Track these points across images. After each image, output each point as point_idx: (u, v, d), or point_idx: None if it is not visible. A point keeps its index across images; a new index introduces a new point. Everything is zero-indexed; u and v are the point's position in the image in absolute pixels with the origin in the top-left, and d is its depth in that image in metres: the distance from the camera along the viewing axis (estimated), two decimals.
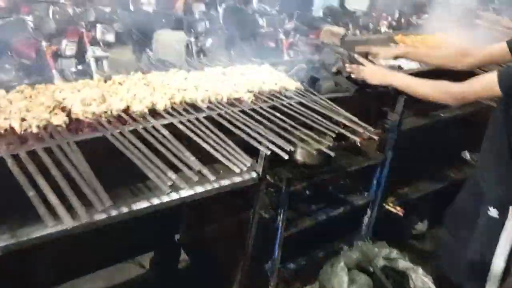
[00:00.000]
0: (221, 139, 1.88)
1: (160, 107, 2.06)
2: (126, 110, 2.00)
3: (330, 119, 2.32)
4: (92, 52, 4.51)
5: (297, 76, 2.82)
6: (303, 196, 3.01)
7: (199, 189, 1.92)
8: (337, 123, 2.30)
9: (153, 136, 1.80)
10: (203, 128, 1.93)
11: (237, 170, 1.75)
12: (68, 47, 4.18)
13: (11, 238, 1.49)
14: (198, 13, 5.91)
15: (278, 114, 2.18)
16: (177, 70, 2.51)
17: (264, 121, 2.11)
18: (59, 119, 1.81)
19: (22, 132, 1.72)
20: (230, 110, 2.14)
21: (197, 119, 2.01)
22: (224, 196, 2.19)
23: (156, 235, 2.53)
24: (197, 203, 2.08)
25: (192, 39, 4.89)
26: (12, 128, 1.71)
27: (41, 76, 3.78)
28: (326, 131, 2.20)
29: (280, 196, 2.62)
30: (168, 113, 2.04)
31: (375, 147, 3.05)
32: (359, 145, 2.99)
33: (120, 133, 1.79)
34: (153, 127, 1.88)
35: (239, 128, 1.99)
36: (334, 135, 2.24)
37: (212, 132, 1.92)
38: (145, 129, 1.85)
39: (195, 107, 2.15)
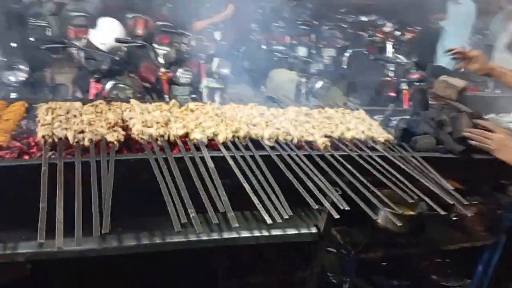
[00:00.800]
0: (268, 181, 1.65)
1: (220, 138, 1.93)
2: (184, 137, 1.91)
3: (416, 182, 1.92)
4: (206, 82, 4.71)
5: (396, 127, 2.47)
6: (380, 267, 2.55)
7: (244, 233, 1.72)
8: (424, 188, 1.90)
9: (196, 167, 1.66)
10: (254, 167, 1.73)
11: (269, 221, 1.49)
12: (183, 75, 4.42)
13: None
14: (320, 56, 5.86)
15: (348, 166, 1.87)
16: (255, 104, 2.38)
17: (330, 171, 1.82)
18: (114, 136, 1.79)
19: (74, 143, 1.72)
20: (294, 153, 1.90)
21: (252, 156, 1.81)
22: (280, 247, 1.95)
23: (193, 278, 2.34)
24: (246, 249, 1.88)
25: (303, 80, 4.79)
26: (66, 138, 1.73)
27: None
28: (404, 195, 1.81)
29: (347, 260, 2.24)
30: (226, 146, 1.89)
31: (483, 223, 2.47)
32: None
33: (165, 159, 1.69)
34: (202, 157, 1.74)
35: (294, 173, 1.74)
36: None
37: (262, 172, 1.70)
38: (192, 158, 1.72)
39: (257, 144, 1.97)
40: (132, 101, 2.18)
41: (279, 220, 1.50)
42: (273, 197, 1.58)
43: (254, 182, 1.63)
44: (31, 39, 3.84)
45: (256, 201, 1.53)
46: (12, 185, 1.52)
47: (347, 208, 1.63)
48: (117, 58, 3.99)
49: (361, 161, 1.96)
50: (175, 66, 4.46)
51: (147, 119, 1.94)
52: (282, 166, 1.77)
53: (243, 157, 1.79)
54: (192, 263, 1.93)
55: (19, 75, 3.47)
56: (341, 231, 2.23)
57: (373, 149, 2.13)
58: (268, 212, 1.52)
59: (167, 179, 1.55)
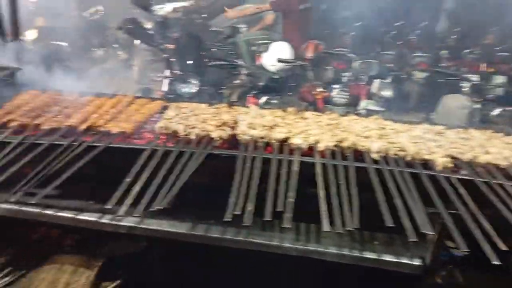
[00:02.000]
0: (349, 194, 1.50)
1: (321, 146, 1.85)
2: (284, 141, 1.90)
3: None
4: (365, 104, 4.55)
5: None
6: None
7: (331, 248, 1.61)
8: None
9: (278, 168, 1.63)
10: (341, 176, 1.60)
11: (326, 227, 1.34)
12: (339, 95, 4.38)
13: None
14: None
15: (462, 191, 1.55)
16: (377, 117, 2.20)
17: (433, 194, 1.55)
18: (217, 134, 1.90)
19: (183, 136, 1.90)
20: (397, 169, 1.69)
21: (345, 166, 1.68)
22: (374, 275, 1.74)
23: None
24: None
25: (478, 106, 4.17)
26: (177, 132, 1.92)
27: None
28: None
29: None
30: (322, 154, 1.80)
31: None
32: None
33: (253, 157, 1.71)
34: (290, 160, 1.70)
35: (387, 191, 1.54)
36: None
37: (347, 183, 1.56)
38: (279, 160, 1.70)
39: (361, 156, 1.81)
40: (251, 106, 2.28)
41: (339, 230, 1.34)
42: (346, 208, 1.42)
43: (333, 191, 1.50)
44: (205, 58, 4.39)
45: (323, 207, 1.41)
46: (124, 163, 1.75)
47: (464, 249, 1.32)
48: (276, 77, 4.21)
49: (484, 190, 1.60)
50: (331, 86, 4.46)
51: (254, 122, 2.00)
52: (376, 180, 1.58)
53: (334, 165, 1.68)
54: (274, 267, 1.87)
55: (191, 88, 4.02)
56: (462, 273, 1.86)
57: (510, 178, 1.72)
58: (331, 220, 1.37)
59: (245, 175, 1.57)
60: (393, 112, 4.98)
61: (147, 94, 4.24)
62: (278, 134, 1.92)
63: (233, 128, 2.01)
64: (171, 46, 4.16)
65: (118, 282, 1.80)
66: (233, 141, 1.93)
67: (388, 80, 4.75)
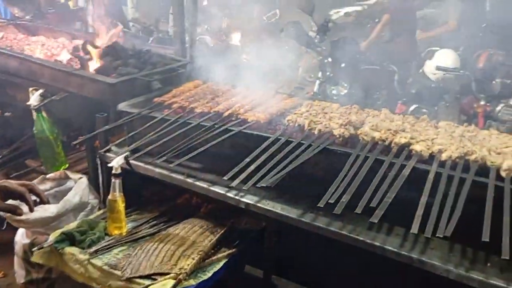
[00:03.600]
0: (455, 204, 1.44)
1: (444, 155, 1.79)
2: (406, 146, 1.89)
3: None
4: None
5: None
6: None
7: (434, 260, 1.56)
8: None
9: (386, 170, 1.66)
10: (453, 188, 1.54)
11: (414, 230, 1.32)
12: (505, 111, 3.89)
13: None
14: None
15: None
16: None
17: None
18: (339, 131, 2.00)
19: (307, 130, 2.06)
20: None
21: (462, 178, 1.61)
22: None
23: None
24: None
25: None
26: (302, 125, 2.09)
27: None
28: None
29: None
30: (442, 163, 1.74)
31: None
32: None
33: (366, 157, 1.77)
34: (403, 165, 1.70)
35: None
36: None
37: (456, 196, 1.50)
38: (391, 163, 1.71)
39: (486, 172, 1.70)
40: (383, 110, 2.30)
41: (427, 234, 1.31)
42: (445, 218, 1.38)
43: (438, 199, 1.47)
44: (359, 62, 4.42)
45: (419, 212, 1.40)
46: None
47: None
48: (432, 85, 4.00)
49: None
50: (497, 100, 4.02)
51: (379, 125, 2.03)
52: (490, 196, 1.48)
53: (450, 176, 1.62)
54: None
55: (340, 90, 4.11)
56: None
57: None
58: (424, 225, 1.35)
59: (352, 171, 1.64)
60: None
61: (299, 93, 4.50)
62: (401, 138, 1.92)
63: (357, 128, 2.07)
64: (326, 49, 4.32)
65: (233, 250, 2.05)
66: (354, 141, 2.01)
67: None
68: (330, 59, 4.25)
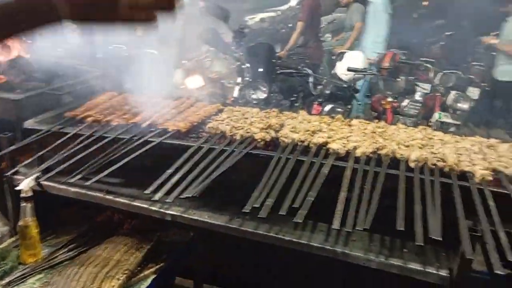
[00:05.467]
0: (371, 197, 1.53)
1: (358, 152, 1.89)
2: (323, 145, 1.96)
3: None
4: (438, 116, 4.34)
5: None
6: None
7: (356, 252, 1.64)
8: None
9: (308, 170, 1.71)
10: (369, 182, 1.63)
11: (335, 225, 1.39)
12: (410, 106, 4.24)
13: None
14: None
15: (491, 204, 1.50)
16: (424, 127, 2.17)
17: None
18: (260, 136, 2.03)
19: (229, 136, 2.06)
20: (429, 178, 1.67)
21: (376, 172, 1.71)
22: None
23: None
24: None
25: None
26: (224, 132, 2.08)
27: None
28: None
29: None
30: (357, 159, 1.84)
31: None
32: None
33: (287, 158, 1.81)
34: (322, 163, 1.77)
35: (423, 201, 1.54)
36: None
37: (371, 190, 1.59)
38: (312, 163, 1.77)
39: (397, 164, 1.82)
40: (301, 112, 2.37)
41: (348, 228, 1.38)
42: (362, 210, 1.46)
43: (356, 194, 1.55)
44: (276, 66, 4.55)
45: (339, 207, 1.46)
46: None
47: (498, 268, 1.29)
48: (345, 86, 4.22)
49: None
50: (403, 96, 4.36)
51: (297, 126, 2.10)
52: (402, 187, 1.59)
53: (365, 171, 1.71)
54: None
55: (260, 94, 4.19)
56: None
57: None
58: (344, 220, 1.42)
59: (275, 174, 1.67)
60: (472, 126, 4.71)
61: (219, 99, 4.51)
62: (318, 138, 1.99)
63: (277, 131, 2.12)
64: (244, 55, 4.38)
65: (161, 264, 2.00)
66: (276, 144, 2.05)
67: (471, 92, 4.50)
68: (248, 64, 4.31)
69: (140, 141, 2.04)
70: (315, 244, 1.71)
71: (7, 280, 1.83)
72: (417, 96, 4.45)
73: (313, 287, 2.03)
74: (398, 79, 4.50)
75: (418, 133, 2.12)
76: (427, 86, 4.61)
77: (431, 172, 1.75)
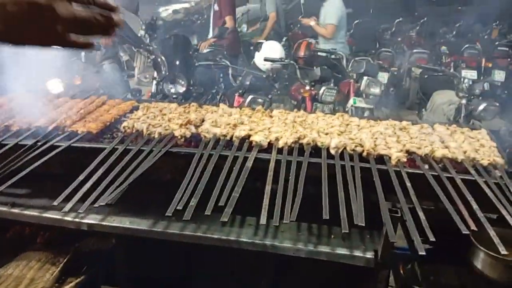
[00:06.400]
0: (296, 188, 1.53)
1: (280, 143, 1.88)
2: (246, 138, 1.93)
3: None
4: (352, 101, 4.55)
5: None
6: None
7: (286, 243, 1.62)
8: None
9: (232, 165, 1.67)
10: (293, 172, 1.63)
11: (262, 221, 1.38)
12: (327, 93, 4.39)
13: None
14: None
15: (408, 185, 1.58)
16: (342, 114, 2.23)
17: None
18: (180, 132, 1.94)
19: (146, 135, 1.95)
20: (349, 164, 1.71)
21: (299, 162, 1.71)
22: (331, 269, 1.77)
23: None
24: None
25: (464, 102, 4.14)
26: (140, 131, 1.97)
27: None
28: None
29: None
30: (279, 150, 1.84)
31: None
32: None
33: (210, 154, 1.75)
34: (245, 157, 1.74)
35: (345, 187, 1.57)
36: None
37: (297, 179, 1.59)
38: (235, 157, 1.74)
39: (318, 152, 1.84)
40: (221, 105, 2.32)
41: (275, 223, 1.38)
42: (289, 202, 1.46)
43: (280, 186, 1.54)
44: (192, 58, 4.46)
45: (265, 202, 1.45)
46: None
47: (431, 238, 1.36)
48: (263, 76, 4.24)
49: (432, 183, 1.62)
50: (319, 84, 4.49)
51: (218, 120, 2.04)
52: (324, 175, 1.61)
53: (288, 161, 1.71)
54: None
55: (179, 88, 4.07)
56: (423, 267, 1.87)
57: (471, 173, 1.73)
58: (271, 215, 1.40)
59: (198, 172, 1.61)
60: (385, 109, 5.00)
61: (137, 95, 4.31)
62: (240, 131, 1.96)
63: (198, 126, 2.05)
64: (158, 48, 4.22)
65: (82, 277, 1.85)
66: (197, 139, 1.98)
67: (381, 77, 4.76)
68: (163, 58, 4.16)
69: (46, 146, 1.85)
70: (244, 240, 1.67)
71: None
72: (332, 83, 4.61)
73: (245, 282, 2.01)
74: (313, 68, 4.61)
75: (336, 120, 2.17)
76: (339, 73, 4.80)
77: (351, 157, 1.79)
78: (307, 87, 4.41)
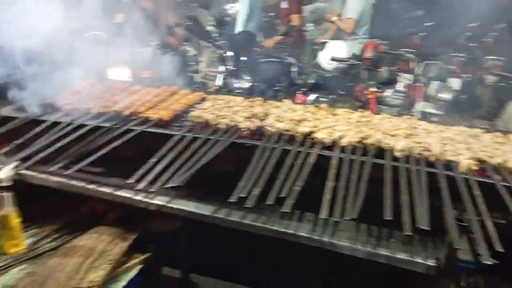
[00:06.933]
0: (358, 189, 1.53)
1: (344, 141, 1.89)
2: (309, 134, 1.95)
3: None
4: (420, 107, 4.39)
5: None
6: None
7: (344, 241, 1.63)
8: None
9: (294, 160, 1.70)
10: (355, 172, 1.63)
11: (323, 215, 1.38)
12: (393, 96, 4.27)
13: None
14: None
15: (477, 193, 1.52)
16: (409, 117, 2.19)
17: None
18: (245, 125, 2.01)
19: (213, 125, 2.03)
20: (415, 168, 1.68)
21: (362, 162, 1.71)
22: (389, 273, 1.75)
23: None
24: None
25: None
26: (208, 121, 2.05)
27: None
28: None
29: None
30: (343, 149, 1.84)
31: None
32: None
33: (272, 148, 1.80)
34: (308, 153, 1.76)
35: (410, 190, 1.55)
36: None
37: (358, 180, 1.59)
38: (297, 152, 1.76)
39: (383, 153, 1.82)
40: (285, 101, 2.36)
41: (336, 218, 1.38)
42: (349, 199, 1.46)
43: (342, 184, 1.54)
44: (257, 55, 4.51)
45: (327, 197, 1.46)
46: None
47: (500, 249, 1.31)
48: (328, 75, 4.21)
49: (503, 193, 1.55)
50: (386, 86, 4.38)
51: (282, 115, 2.08)
52: (388, 176, 1.60)
53: (351, 160, 1.71)
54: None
55: (243, 83, 4.15)
56: (487, 281, 1.80)
57: None
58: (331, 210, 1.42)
59: (260, 163, 1.65)
60: (455, 116, 4.78)
61: (203, 88, 4.45)
62: (304, 128, 1.98)
63: (262, 120, 2.10)
64: (226, 43, 4.33)
65: (147, 254, 1.97)
66: (261, 133, 2.03)
67: (452, 83, 4.55)
68: (231, 53, 4.26)
69: (122, 129, 1.99)
70: (302, 234, 1.70)
71: None
72: (400, 86, 4.48)
73: (297, 276, 2.04)
74: (380, 69, 4.51)
75: (403, 122, 2.13)
76: (410, 76, 4.64)
77: (417, 161, 1.76)
78: (372, 89, 4.32)
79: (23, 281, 1.75)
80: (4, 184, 1.82)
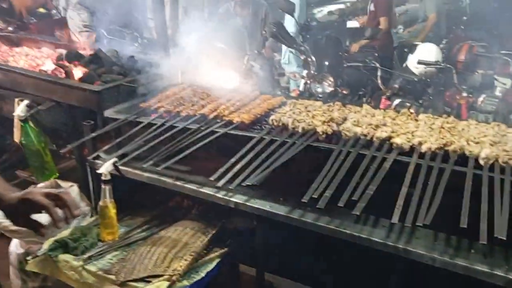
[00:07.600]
0: (434, 193, 1.50)
1: (424, 147, 1.85)
2: (387, 139, 1.94)
3: None
4: None
5: None
6: None
7: (419, 249, 1.60)
8: None
9: (368, 164, 1.71)
10: (433, 178, 1.60)
11: (394, 219, 1.37)
12: (487, 102, 3.97)
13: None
14: None
15: None
16: (497, 124, 2.06)
17: None
18: (321, 128, 2.05)
19: (291, 129, 2.10)
20: (499, 177, 1.60)
21: (441, 169, 1.66)
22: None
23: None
24: None
25: None
26: (286, 124, 2.13)
27: None
28: None
29: None
30: (422, 155, 1.80)
31: None
32: None
33: (348, 152, 1.82)
34: (384, 158, 1.76)
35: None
36: None
37: (435, 187, 1.56)
38: (373, 157, 1.77)
39: (465, 161, 1.76)
40: (364, 105, 2.35)
41: (408, 223, 1.37)
42: (424, 206, 1.44)
43: (418, 189, 1.52)
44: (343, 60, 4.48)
45: (400, 202, 1.45)
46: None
47: None
48: (416, 80, 4.07)
49: None
50: (479, 92, 4.11)
51: (360, 120, 2.09)
52: (468, 184, 1.54)
53: (430, 167, 1.68)
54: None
55: (326, 88, 4.17)
56: None
57: None
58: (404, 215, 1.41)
59: (335, 167, 1.69)
60: None
61: (286, 92, 4.54)
62: (381, 133, 1.97)
63: (340, 124, 2.12)
64: (310, 48, 4.38)
65: (225, 249, 2.10)
66: (337, 137, 2.06)
67: None
68: (313, 58, 4.30)
69: (207, 131, 2.14)
70: (376, 239, 1.69)
71: (87, 254, 2.04)
72: (496, 91, 4.17)
73: (369, 282, 2.02)
74: (475, 73, 4.24)
75: (491, 129, 2.02)
76: (507, 81, 4.30)
77: (502, 170, 1.67)
78: (464, 94, 4.08)
79: (116, 266, 1.97)
80: (104, 178, 2.05)
